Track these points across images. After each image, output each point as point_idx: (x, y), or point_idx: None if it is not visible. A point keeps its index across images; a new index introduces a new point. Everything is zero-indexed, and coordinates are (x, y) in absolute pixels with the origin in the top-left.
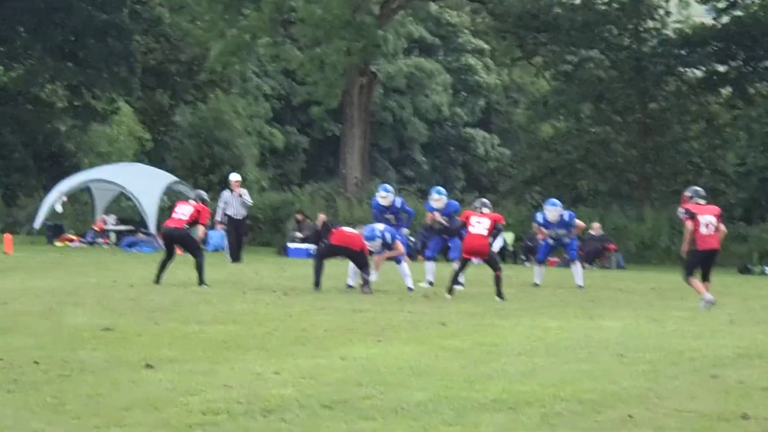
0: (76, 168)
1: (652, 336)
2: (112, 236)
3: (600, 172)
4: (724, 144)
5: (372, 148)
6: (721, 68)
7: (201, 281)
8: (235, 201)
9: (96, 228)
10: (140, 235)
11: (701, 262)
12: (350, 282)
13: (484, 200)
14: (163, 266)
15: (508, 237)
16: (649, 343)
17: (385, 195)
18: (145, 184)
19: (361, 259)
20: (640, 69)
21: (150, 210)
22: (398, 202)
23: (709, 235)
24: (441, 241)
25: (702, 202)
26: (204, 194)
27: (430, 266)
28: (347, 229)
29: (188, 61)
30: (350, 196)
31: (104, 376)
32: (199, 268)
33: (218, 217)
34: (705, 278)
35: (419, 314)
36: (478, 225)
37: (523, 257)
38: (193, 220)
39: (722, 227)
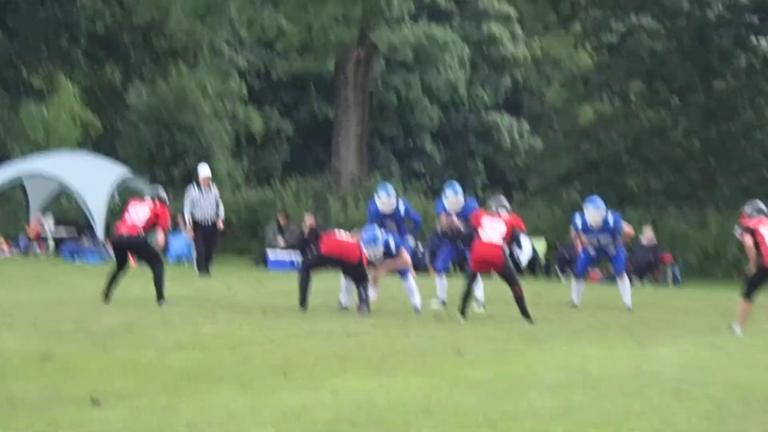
0: (4, 158)
1: (715, 367)
2: (51, 243)
3: (653, 166)
4: None
5: (372, 137)
6: None
7: (160, 297)
8: (205, 202)
9: (30, 233)
10: (85, 242)
11: (764, 280)
12: (343, 300)
13: (503, 199)
14: (113, 280)
15: (539, 246)
16: (711, 376)
17: (386, 200)
18: (92, 178)
19: (357, 273)
20: (703, 40)
21: (97, 211)
22: (402, 207)
23: None
24: (454, 250)
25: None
26: (162, 191)
27: (441, 281)
28: (341, 234)
29: (144, 27)
30: (344, 194)
31: (41, 415)
32: (158, 281)
33: (187, 220)
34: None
35: (428, 339)
36: (492, 231)
37: (557, 270)
38: (150, 224)
39: None
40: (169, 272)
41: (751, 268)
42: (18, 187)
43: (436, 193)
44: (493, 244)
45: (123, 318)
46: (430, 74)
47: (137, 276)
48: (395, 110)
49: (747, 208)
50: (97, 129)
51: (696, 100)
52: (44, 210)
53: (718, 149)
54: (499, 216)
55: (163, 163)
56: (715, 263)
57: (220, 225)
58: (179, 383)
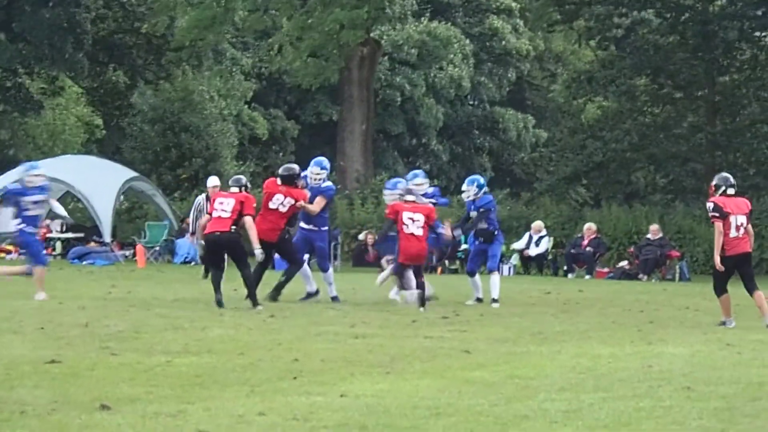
0: (10, 162)
1: (726, 365)
2: (58, 246)
3: (659, 162)
4: None
5: (377, 135)
6: None
7: (253, 300)
8: None
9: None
10: (92, 245)
11: (731, 271)
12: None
13: (410, 186)
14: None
15: (548, 244)
16: (722, 375)
17: (421, 181)
18: (98, 181)
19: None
20: (707, 34)
21: (104, 214)
22: (431, 192)
23: (738, 238)
24: (480, 249)
25: (731, 192)
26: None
27: (474, 281)
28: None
29: (148, 31)
30: (350, 192)
31: (49, 420)
32: (249, 281)
33: (192, 229)
34: (751, 288)
35: (437, 341)
36: (412, 223)
37: (565, 268)
38: (238, 212)
39: (750, 228)
40: (176, 274)
41: (717, 259)
42: None
43: (442, 191)
44: (418, 238)
45: (131, 322)
46: (434, 71)
47: (143, 279)
48: (400, 108)
49: (716, 181)
50: (101, 132)
51: (701, 95)
52: (51, 214)
53: (723, 144)
54: (416, 207)
55: (169, 164)
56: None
57: None
58: (188, 387)
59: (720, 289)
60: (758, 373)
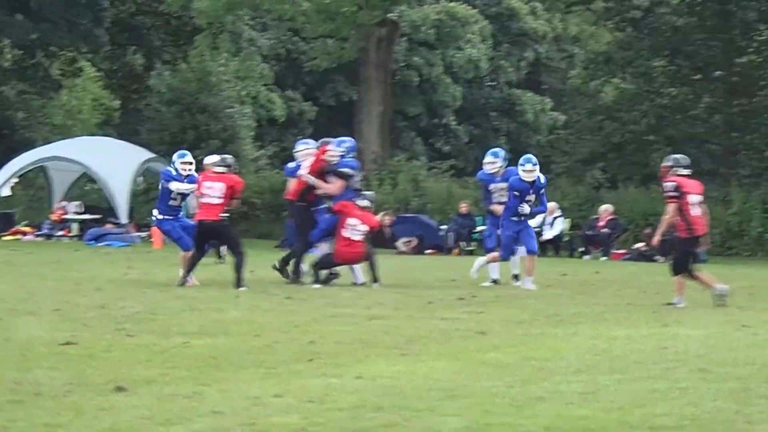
0: (27, 143)
1: (741, 347)
2: (74, 228)
3: (676, 143)
4: None
5: (394, 116)
6: None
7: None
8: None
9: (54, 218)
10: (109, 226)
11: (692, 251)
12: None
13: (367, 193)
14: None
15: (564, 225)
16: (738, 356)
17: (493, 160)
18: (114, 163)
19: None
20: (725, 15)
21: (120, 195)
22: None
23: (699, 217)
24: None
25: (685, 173)
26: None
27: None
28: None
29: (166, 13)
30: (367, 174)
31: (65, 402)
32: (239, 265)
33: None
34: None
35: (453, 322)
36: (352, 229)
37: (581, 249)
38: (229, 196)
39: (704, 206)
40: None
41: (657, 237)
42: (41, 172)
43: (460, 173)
44: (357, 243)
45: (147, 303)
46: (452, 51)
47: (160, 261)
48: (418, 89)
49: (668, 161)
50: (119, 113)
51: (719, 76)
52: (67, 195)
53: (740, 125)
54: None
55: (186, 145)
56: (739, 240)
57: None
58: (204, 369)
59: (680, 269)
60: None
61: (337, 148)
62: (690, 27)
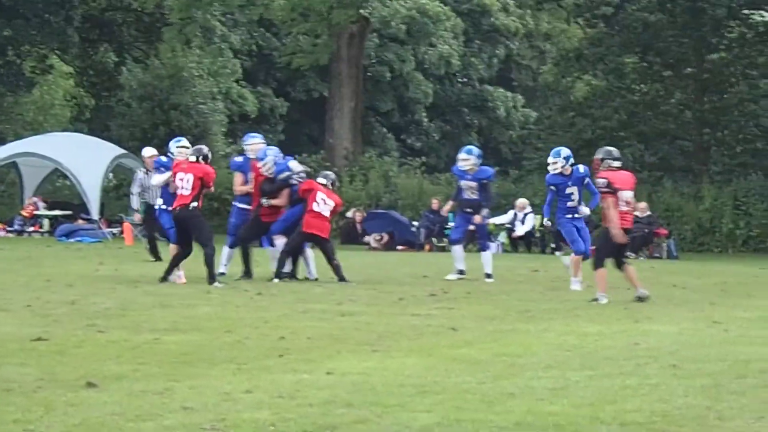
0: None
1: (713, 343)
2: (45, 223)
3: (647, 139)
4: None
5: (366, 112)
6: None
7: (212, 278)
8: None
9: (25, 214)
10: (80, 222)
11: (617, 246)
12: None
13: (330, 173)
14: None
15: (535, 221)
16: (709, 352)
17: (467, 157)
18: (86, 158)
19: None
20: (696, 11)
21: (92, 191)
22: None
23: (627, 212)
24: (466, 219)
25: (616, 165)
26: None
27: (457, 251)
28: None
29: (138, 9)
30: (338, 170)
31: (35, 398)
32: (209, 259)
33: (135, 206)
34: (620, 264)
35: (425, 318)
36: (324, 204)
37: (553, 245)
38: (198, 187)
39: (634, 201)
40: (163, 252)
41: (616, 231)
42: (12, 168)
43: (432, 168)
44: (324, 217)
45: (118, 300)
46: (424, 48)
47: (131, 257)
48: (389, 85)
49: (599, 154)
50: (90, 109)
51: (690, 73)
52: (38, 191)
53: (711, 122)
54: (330, 193)
55: (158, 142)
56: (710, 236)
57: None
58: (175, 365)
59: (600, 263)
60: (744, 350)
61: (269, 159)
62: (661, 24)
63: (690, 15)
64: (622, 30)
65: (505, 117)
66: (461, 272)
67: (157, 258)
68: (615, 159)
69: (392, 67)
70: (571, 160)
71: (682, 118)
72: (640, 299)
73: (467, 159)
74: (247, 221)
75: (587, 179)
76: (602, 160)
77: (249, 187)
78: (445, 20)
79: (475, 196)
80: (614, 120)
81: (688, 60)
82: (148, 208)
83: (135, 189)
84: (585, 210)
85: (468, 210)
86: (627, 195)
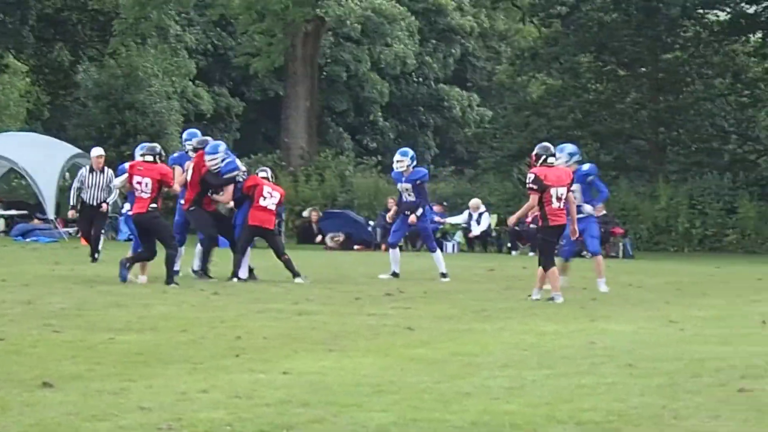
0: None
1: (669, 342)
2: (1, 223)
3: (603, 139)
4: (755, 102)
5: (322, 112)
6: (750, 9)
7: (170, 278)
8: (95, 183)
9: None
10: (36, 222)
11: (555, 243)
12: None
13: (266, 167)
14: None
15: (490, 220)
16: (665, 352)
17: (401, 158)
18: (42, 158)
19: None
20: (651, 11)
21: (48, 191)
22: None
23: (561, 209)
24: (406, 222)
25: (553, 161)
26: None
27: (394, 254)
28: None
29: (94, 9)
30: (295, 170)
31: None
32: (170, 261)
33: (72, 202)
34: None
35: (381, 318)
36: (270, 198)
37: (509, 245)
38: (158, 189)
39: (571, 197)
40: (120, 252)
41: (512, 221)
42: None
43: (388, 168)
44: (270, 212)
45: (74, 299)
46: (380, 48)
47: (87, 257)
48: (345, 84)
49: (538, 150)
50: (46, 109)
51: (645, 72)
52: None
53: (667, 121)
54: (275, 186)
55: (113, 141)
56: (666, 236)
57: (104, 207)
58: (130, 365)
59: (549, 263)
60: (700, 349)
61: (216, 155)
62: (616, 23)
63: (645, 14)
64: (577, 29)
65: (460, 116)
66: (395, 275)
67: (93, 258)
68: (551, 155)
69: (348, 66)
70: (576, 158)
71: (638, 117)
72: (551, 299)
73: (402, 160)
74: (198, 218)
75: (592, 177)
76: (538, 156)
77: (182, 180)
78: (400, 20)
79: (412, 198)
80: (569, 119)
81: (643, 59)
82: (83, 206)
83: (75, 184)
84: (588, 208)
85: (407, 213)
86: (560, 191)
